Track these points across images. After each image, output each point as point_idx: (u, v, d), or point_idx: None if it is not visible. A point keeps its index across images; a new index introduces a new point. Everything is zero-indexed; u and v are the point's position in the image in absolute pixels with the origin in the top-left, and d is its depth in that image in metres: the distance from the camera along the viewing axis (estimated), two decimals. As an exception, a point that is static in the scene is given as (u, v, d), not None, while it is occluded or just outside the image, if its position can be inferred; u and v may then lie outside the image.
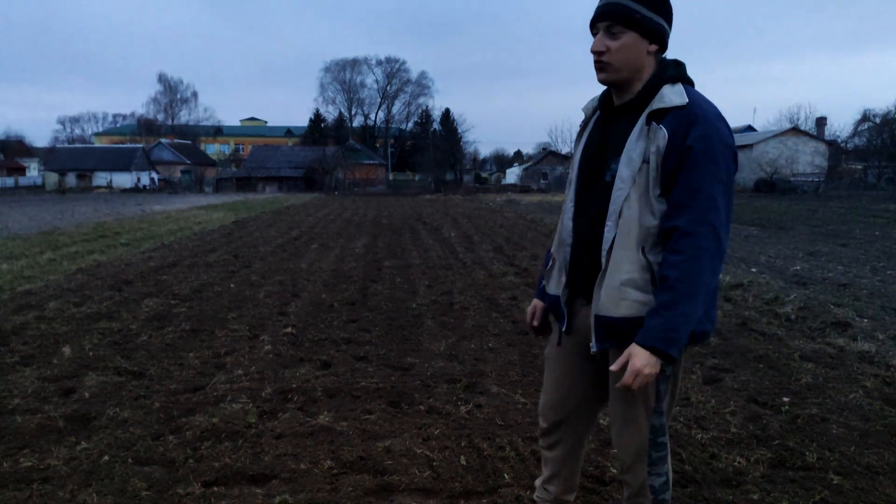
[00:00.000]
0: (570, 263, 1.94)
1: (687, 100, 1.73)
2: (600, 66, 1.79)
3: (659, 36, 1.78)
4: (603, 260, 1.80)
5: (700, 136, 1.68)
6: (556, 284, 2.04)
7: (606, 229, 1.79)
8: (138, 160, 57.35)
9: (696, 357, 4.46)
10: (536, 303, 2.21)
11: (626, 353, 1.73)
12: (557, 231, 2.06)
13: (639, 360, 1.71)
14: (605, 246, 1.79)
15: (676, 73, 1.79)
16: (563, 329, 2.03)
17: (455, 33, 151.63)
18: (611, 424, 2.01)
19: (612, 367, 1.76)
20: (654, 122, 1.73)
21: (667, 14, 1.79)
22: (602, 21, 1.77)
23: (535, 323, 2.20)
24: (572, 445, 2.17)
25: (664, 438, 1.91)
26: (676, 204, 1.71)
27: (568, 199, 1.99)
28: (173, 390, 3.85)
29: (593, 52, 1.79)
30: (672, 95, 1.74)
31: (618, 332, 1.80)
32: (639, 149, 1.74)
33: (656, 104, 1.74)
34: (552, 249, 2.10)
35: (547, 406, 2.16)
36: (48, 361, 4.38)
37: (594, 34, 1.82)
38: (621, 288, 1.77)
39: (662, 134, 1.71)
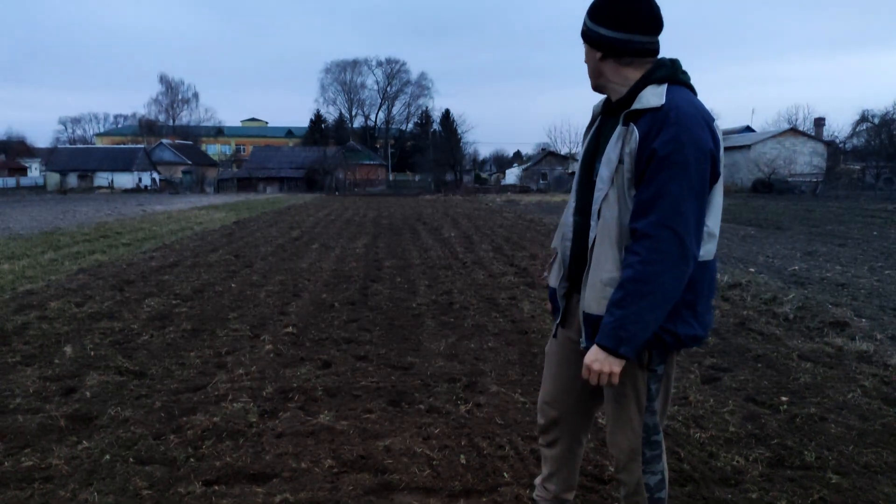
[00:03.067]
0: (570, 258, 1.98)
1: (664, 101, 1.71)
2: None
3: (602, 44, 1.83)
4: (588, 258, 1.84)
5: (668, 139, 1.67)
6: (555, 277, 2.08)
7: (590, 228, 1.84)
8: (139, 161, 57.33)
9: (694, 357, 4.48)
10: None
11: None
12: (560, 225, 2.10)
13: (588, 355, 1.78)
14: (590, 244, 1.83)
15: (666, 73, 1.79)
16: (559, 322, 2.07)
17: (455, 34, 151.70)
18: (605, 424, 2.04)
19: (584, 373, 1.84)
20: (630, 124, 1.76)
21: (610, 21, 1.80)
22: None
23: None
24: (570, 443, 2.19)
25: (658, 437, 1.93)
26: (639, 206, 1.72)
27: (571, 195, 2.04)
28: (174, 390, 3.87)
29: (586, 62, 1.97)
30: (651, 97, 1.74)
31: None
32: (616, 149, 1.77)
33: (633, 106, 1.76)
34: (553, 244, 2.14)
35: (545, 402, 2.18)
36: (50, 361, 4.39)
37: None
38: (603, 287, 1.79)
39: (635, 136, 1.73)
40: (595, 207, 1.81)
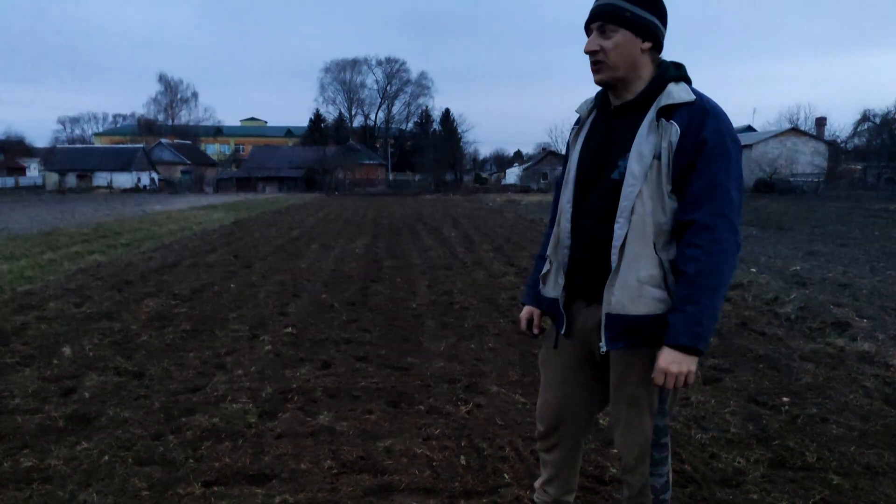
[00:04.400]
0: (570, 265, 1.93)
1: (695, 97, 1.75)
2: (596, 67, 1.81)
3: (651, 33, 1.79)
4: (614, 258, 1.78)
5: (715, 130, 1.70)
6: (553, 287, 2.01)
7: (617, 226, 1.77)
8: (138, 160, 57.35)
9: (695, 357, 4.46)
10: (532, 310, 2.16)
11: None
12: (554, 234, 2.03)
13: (663, 359, 1.71)
14: (617, 243, 1.77)
15: (678, 73, 1.81)
16: (562, 332, 2.00)
17: (455, 33, 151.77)
18: (613, 426, 2.00)
19: (654, 377, 1.75)
20: (663, 118, 1.74)
21: (659, 13, 1.80)
22: (595, 22, 1.80)
23: (536, 331, 2.17)
24: (570, 448, 2.16)
25: (666, 439, 1.92)
26: (693, 198, 1.71)
27: (564, 200, 1.96)
28: (173, 390, 3.85)
29: (587, 52, 1.81)
30: (680, 92, 1.75)
31: (633, 331, 1.78)
32: (650, 144, 1.74)
33: (665, 100, 1.75)
34: (547, 252, 2.08)
35: (544, 409, 2.14)
36: (48, 361, 4.38)
37: (588, 36, 1.84)
38: (640, 286, 1.75)
39: (675, 129, 1.71)
40: (626, 204, 1.76)
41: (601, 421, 3.25)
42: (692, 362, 1.70)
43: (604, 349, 1.84)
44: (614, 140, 1.85)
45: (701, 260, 1.67)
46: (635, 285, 1.75)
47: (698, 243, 1.68)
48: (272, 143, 77.92)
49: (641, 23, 1.76)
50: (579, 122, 2.02)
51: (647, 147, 1.74)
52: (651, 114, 1.76)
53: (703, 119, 1.70)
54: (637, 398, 1.86)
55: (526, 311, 2.19)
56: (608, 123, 1.89)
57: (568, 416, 2.10)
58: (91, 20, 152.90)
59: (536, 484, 2.30)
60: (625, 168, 1.77)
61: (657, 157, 1.73)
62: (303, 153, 59.80)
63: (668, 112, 1.74)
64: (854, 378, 4.05)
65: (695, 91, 1.78)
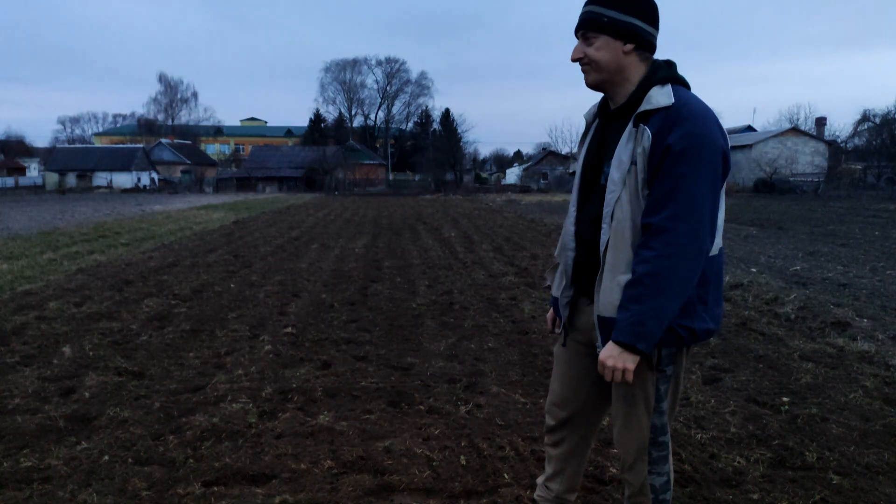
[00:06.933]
0: (573, 266, 1.97)
1: (673, 100, 1.74)
2: (584, 71, 1.88)
3: (632, 34, 1.80)
4: (601, 261, 1.82)
5: (682, 134, 1.68)
6: (557, 287, 2.08)
7: (602, 231, 1.82)
8: (138, 160, 57.35)
9: (695, 357, 4.47)
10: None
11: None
12: (561, 236, 2.09)
13: (603, 351, 1.77)
14: (602, 248, 1.82)
15: (667, 74, 1.80)
16: (564, 330, 2.07)
17: (455, 33, 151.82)
18: (612, 423, 2.02)
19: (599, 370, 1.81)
20: (640, 124, 1.75)
21: (641, 13, 1.80)
22: (578, 31, 1.87)
23: (559, 330, 2.20)
24: (577, 444, 2.18)
25: (665, 438, 1.92)
26: (655, 201, 1.72)
27: (571, 204, 2.03)
28: (173, 390, 3.85)
29: (572, 60, 1.88)
30: (659, 97, 1.75)
31: None
32: (627, 151, 1.77)
33: (644, 106, 1.76)
34: (556, 253, 2.14)
35: (553, 403, 2.18)
36: (48, 361, 4.38)
37: None
38: (622, 289, 1.77)
39: (647, 135, 1.73)
40: (607, 210, 1.79)
41: (602, 421, 3.25)
42: (629, 360, 1.73)
43: (600, 349, 1.86)
44: (606, 146, 1.89)
45: (651, 262, 1.68)
46: (617, 289, 1.78)
47: (652, 245, 1.69)
48: (272, 143, 77.94)
49: (619, 26, 1.79)
50: (587, 128, 2.06)
51: (625, 153, 1.77)
52: (631, 120, 1.79)
53: (673, 123, 1.70)
54: (633, 396, 1.88)
55: (551, 312, 2.26)
56: (605, 129, 1.93)
57: (576, 410, 2.12)
58: (92, 20, 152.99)
59: (539, 480, 2.30)
60: (608, 174, 1.82)
61: (634, 162, 1.75)
62: (303, 153, 59.74)
63: (645, 117, 1.75)
64: (854, 378, 4.05)
65: (679, 93, 1.76)
